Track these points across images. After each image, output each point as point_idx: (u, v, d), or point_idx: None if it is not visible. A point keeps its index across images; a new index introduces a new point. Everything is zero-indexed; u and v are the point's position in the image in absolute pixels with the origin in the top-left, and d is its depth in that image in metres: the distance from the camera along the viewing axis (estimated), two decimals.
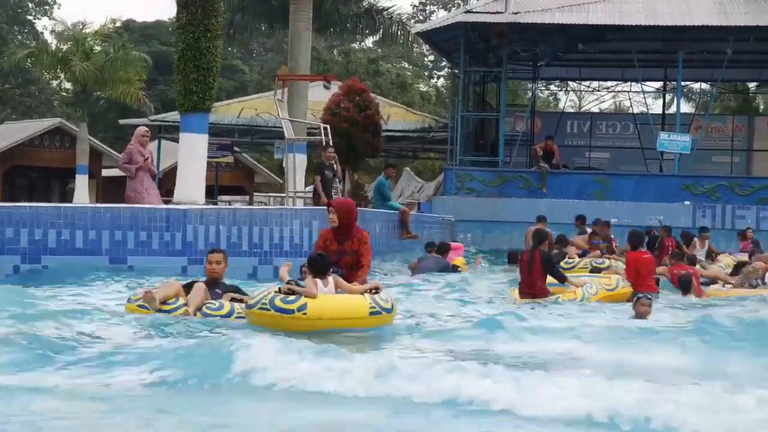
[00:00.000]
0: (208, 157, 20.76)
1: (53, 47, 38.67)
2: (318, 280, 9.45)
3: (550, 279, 13.70)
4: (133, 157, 16.20)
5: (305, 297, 9.13)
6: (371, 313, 9.43)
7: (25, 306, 10.41)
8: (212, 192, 31.97)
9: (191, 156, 18.83)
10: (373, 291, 9.73)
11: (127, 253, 14.24)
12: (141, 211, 14.69)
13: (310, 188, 20.95)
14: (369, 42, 59.62)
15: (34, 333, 8.59)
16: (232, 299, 10.16)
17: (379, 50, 60.48)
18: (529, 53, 31.42)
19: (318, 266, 9.66)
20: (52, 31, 57.79)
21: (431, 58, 66.05)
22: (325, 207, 10.75)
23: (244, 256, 15.14)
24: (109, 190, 37.31)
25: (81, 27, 38.84)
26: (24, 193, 38.88)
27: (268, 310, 9.09)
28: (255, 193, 43.54)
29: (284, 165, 23.15)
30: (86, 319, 9.73)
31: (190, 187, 18.58)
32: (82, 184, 33.83)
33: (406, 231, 21.28)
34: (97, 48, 36.05)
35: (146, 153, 16.49)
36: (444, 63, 56.11)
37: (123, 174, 16.67)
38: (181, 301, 9.95)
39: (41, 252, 13.67)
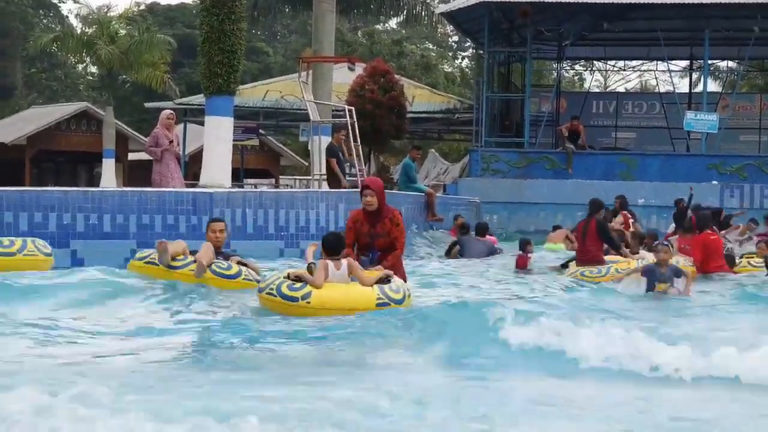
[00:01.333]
0: (234, 140, 20.80)
1: (78, 31, 38.72)
2: (330, 263, 9.20)
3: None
4: (158, 140, 16.22)
5: (310, 286, 8.99)
6: (378, 305, 9.05)
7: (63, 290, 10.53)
8: (238, 175, 32.06)
9: (216, 139, 18.86)
10: (386, 280, 9.36)
11: (154, 237, 14.25)
12: (168, 195, 14.74)
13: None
14: (393, 23, 59.47)
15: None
16: (239, 263, 10.59)
17: (403, 31, 60.32)
18: (553, 33, 31.26)
19: (331, 246, 9.35)
20: (77, 15, 57.80)
21: (455, 38, 65.80)
22: (359, 190, 10.20)
23: (270, 239, 15.20)
24: (136, 173, 37.46)
25: (106, 10, 38.96)
26: (51, 178, 39.13)
27: (275, 296, 9.08)
28: (281, 176, 43.61)
29: (309, 147, 23.18)
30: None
31: (216, 171, 18.63)
32: (108, 168, 33.99)
33: (432, 213, 21.28)
34: (122, 31, 36.17)
35: (171, 136, 16.53)
36: (468, 43, 55.96)
37: (149, 158, 16.73)
38: (190, 258, 10.34)
39: (70, 236, 13.74)
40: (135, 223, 14.28)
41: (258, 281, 10.46)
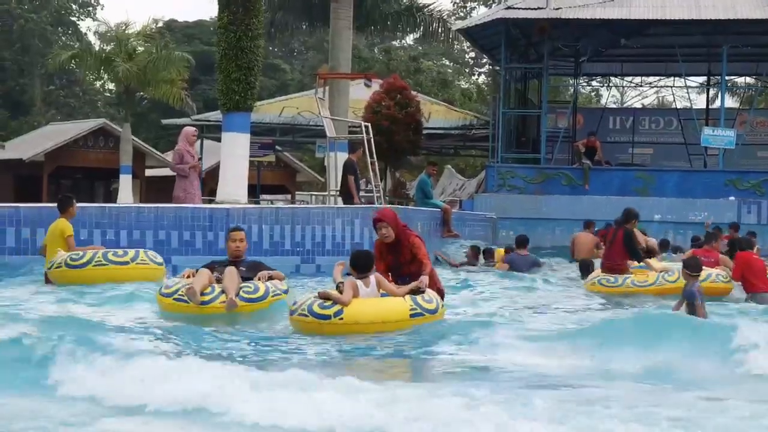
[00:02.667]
0: (250, 156, 20.83)
1: (96, 48, 39.00)
2: (359, 282, 9.17)
3: None
4: (184, 157, 16.26)
5: (337, 303, 8.90)
6: (412, 315, 9.08)
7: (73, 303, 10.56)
8: (254, 191, 32.08)
9: (233, 155, 18.90)
10: (418, 291, 9.32)
11: (171, 253, 14.33)
12: (184, 211, 14.79)
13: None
14: (410, 39, 59.60)
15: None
16: (268, 278, 10.29)
17: (420, 48, 60.39)
18: (570, 49, 31.27)
19: (360, 264, 9.34)
20: (95, 32, 58.48)
21: (472, 54, 65.80)
22: (373, 223, 9.98)
23: (286, 255, 15.22)
24: (153, 190, 37.55)
25: (124, 28, 39.02)
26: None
27: (307, 316, 8.98)
28: (297, 192, 43.64)
29: (326, 163, 23.21)
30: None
31: (233, 187, 18.66)
32: (125, 184, 34.06)
33: (448, 229, 21.23)
34: (140, 48, 36.27)
35: (194, 153, 16.60)
36: (485, 60, 55.95)
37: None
38: (217, 289, 9.87)
39: None
40: (152, 238, 14.32)
41: (285, 292, 10.33)
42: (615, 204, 24.70)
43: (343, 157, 21.05)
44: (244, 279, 10.16)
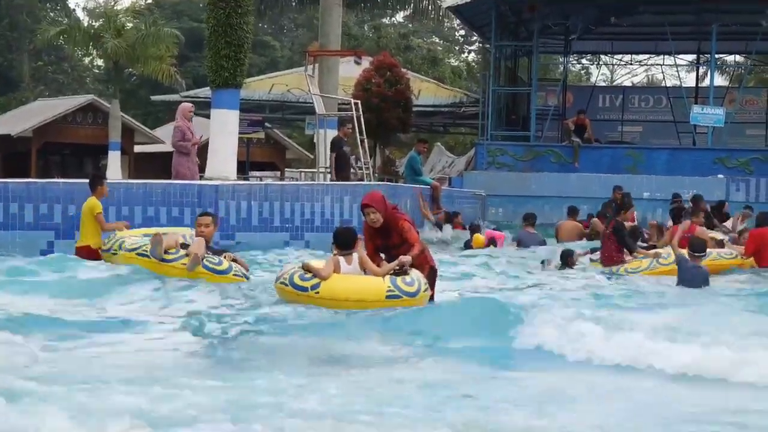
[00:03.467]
0: (240, 132, 20.83)
1: (85, 24, 38.81)
2: (341, 258, 9.22)
3: None
4: (185, 134, 16.20)
5: (316, 277, 9.00)
6: (388, 297, 8.96)
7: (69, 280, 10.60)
8: (244, 168, 32.03)
9: (223, 132, 18.86)
10: (400, 270, 9.20)
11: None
12: (173, 187, 14.78)
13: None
14: (400, 17, 59.44)
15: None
16: (231, 259, 10.65)
17: (410, 25, 60.21)
18: (560, 27, 31.23)
19: (342, 240, 9.40)
20: (83, 8, 58.16)
21: (462, 32, 65.66)
22: (360, 208, 9.81)
23: (275, 231, 15.23)
24: (141, 166, 37.47)
25: (112, 3, 39.08)
26: (57, 170, 39.08)
27: (287, 285, 9.18)
28: (286, 169, 43.58)
29: (315, 140, 23.19)
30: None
31: (222, 163, 18.63)
32: (114, 160, 34.01)
33: (437, 207, 21.27)
34: (129, 25, 36.13)
35: (193, 129, 16.55)
36: (475, 37, 55.86)
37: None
38: (183, 251, 10.39)
39: (75, 227, 13.75)
40: (140, 215, 14.31)
41: (247, 277, 10.68)
42: (604, 181, 24.80)
43: (332, 134, 21.05)
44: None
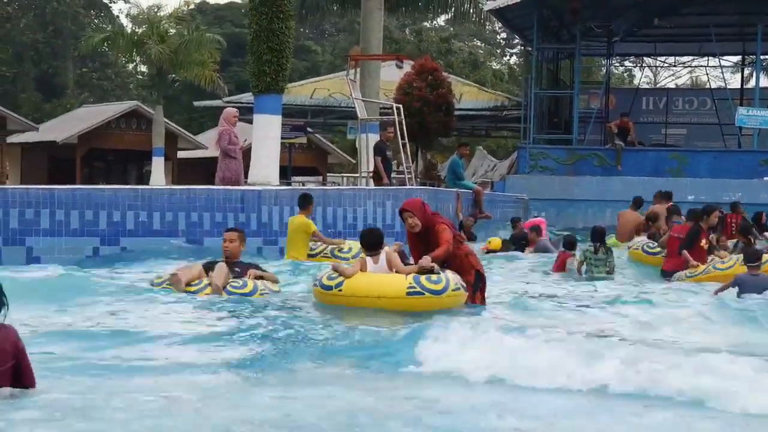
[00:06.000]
0: (282, 137, 20.85)
1: (129, 31, 39.12)
2: (369, 258, 9.42)
3: None
4: (231, 138, 16.22)
5: (341, 276, 9.28)
6: (409, 294, 8.96)
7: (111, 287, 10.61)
8: (286, 173, 32.14)
9: (265, 137, 18.91)
10: (428, 270, 9.14)
11: (203, 234, 14.38)
12: (216, 193, 14.82)
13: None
14: (441, 20, 59.29)
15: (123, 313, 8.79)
16: (256, 277, 10.39)
17: (451, 28, 60.14)
18: (603, 29, 31.02)
19: (367, 242, 9.59)
20: (127, 15, 58.50)
21: (503, 35, 65.47)
22: (399, 213, 9.83)
23: None
24: (185, 171, 37.75)
25: (156, 10, 39.23)
26: (102, 176, 39.51)
27: (317, 286, 9.55)
28: (328, 174, 43.68)
29: (357, 145, 23.21)
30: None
31: (264, 168, 18.68)
32: (158, 166, 34.30)
33: (480, 210, 21.20)
34: (172, 30, 36.46)
35: (238, 133, 16.57)
36: (517, 40, 55.70)
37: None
38: (205, 281, 10.13)
39: (120, 234, 13.86)
40: (184, 220, 14.37)
41: (276, 291, 10.51)
42: (648, 185, 24.56)
43: (374, 138, 21.04)
44: (236, 278, 10.28)
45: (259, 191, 15.24)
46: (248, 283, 10.23)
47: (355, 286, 9.16)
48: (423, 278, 9.09)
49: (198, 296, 9.98)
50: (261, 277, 10.47)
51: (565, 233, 18.05)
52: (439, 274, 9.20)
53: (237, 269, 10.44)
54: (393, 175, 20.57)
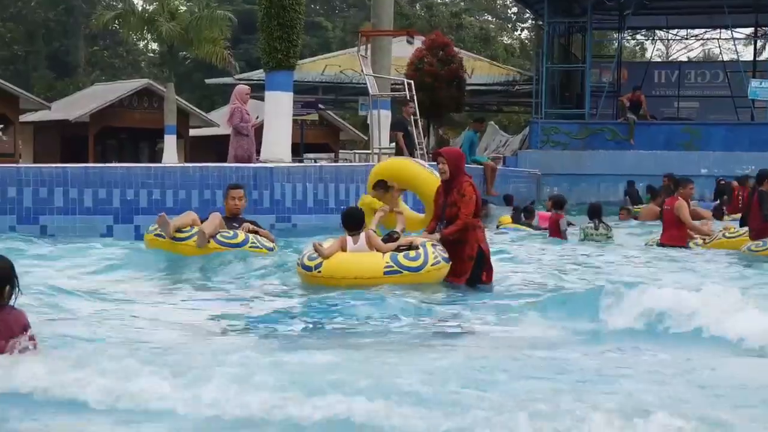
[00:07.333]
0: (293, 114, 20.84)
1: (140, 8, 39.10)
2: (349, 238, 9.32)
3: None
4: (243, 116, 16.21)
5: (320, 256, 9.13)
6: (386, 273, 8.92)
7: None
8: (298, 150, 32.15)
9: (276, 114, 18.90)
10: (408, 246, 9.21)
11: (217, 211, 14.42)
12: (228, 170, 14.87)
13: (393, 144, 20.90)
14: None
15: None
16: (251, 231, 10.57)
17: (462, 3, 59.97)
18: (614, 2, 30.89)
19: (347, 221, 9.49)
20: None
21: (514, 9, 65.20)
22: (433, 156, 9.87)
23: (331, 212, 15.26)
24: (197, 149, 37.75)
25: None
26: (114, 154, 39.55)
27: (299, 266, 9.39)
28: (340, 150, 43.67)
29: (369, 121, 23.19)
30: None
31: (276, 146, 18.68)
32: (170, 144, 34.32)
33: (489, 187, 21.21)
34: (182, 8, 36.44)
35: (249, 111, 16.57)
36: (528, 15, 55.42)
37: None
38: (195, 229, 10.32)
39: (133, 212, 13.93)
40: (197, 198, 14.42)
41: (270, 249, 10.69)
42: (660, 158, 24.58)
43: (385, 114, 21.04)
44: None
45: (272, 168, 15.28)
46: (239, 234, 10.44)
47: (333, 267, 9.03)
48: (400, 256, 9.06)
49: (187, 243, 10.15)
50: (255, 232, 10.63)
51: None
52: (417, 249, 9.16)
53: (235, 224, 10.68)
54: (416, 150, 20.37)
